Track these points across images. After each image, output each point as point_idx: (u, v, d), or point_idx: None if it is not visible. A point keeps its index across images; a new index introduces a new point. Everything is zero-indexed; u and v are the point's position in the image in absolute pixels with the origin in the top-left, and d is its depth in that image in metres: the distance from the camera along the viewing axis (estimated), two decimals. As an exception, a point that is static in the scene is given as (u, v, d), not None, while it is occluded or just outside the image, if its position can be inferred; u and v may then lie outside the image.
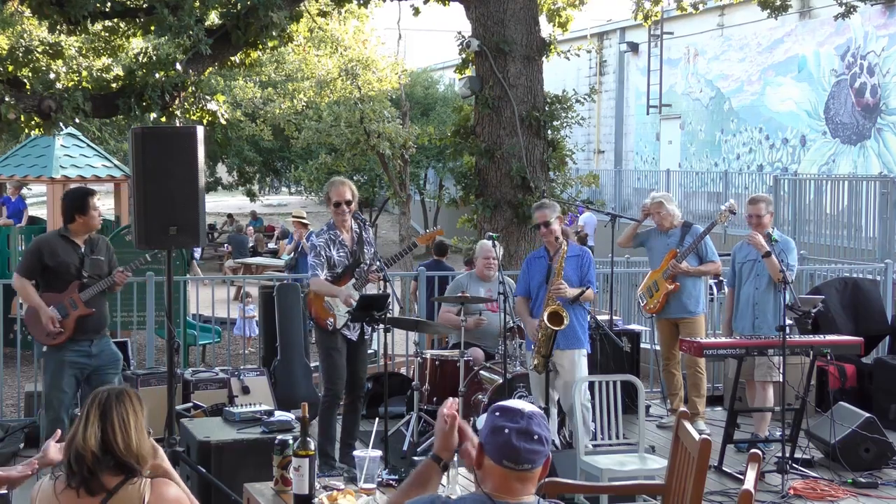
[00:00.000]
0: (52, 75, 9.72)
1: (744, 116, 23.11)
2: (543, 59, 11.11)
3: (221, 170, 31.62)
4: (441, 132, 16.74)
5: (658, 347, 8.72)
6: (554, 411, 6.83)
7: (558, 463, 5.80)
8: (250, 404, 6.46)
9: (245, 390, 7.84)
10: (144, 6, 9.86)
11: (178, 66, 9.40)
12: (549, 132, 10.97)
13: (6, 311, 7.96)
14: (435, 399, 7.60)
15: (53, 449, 3.97)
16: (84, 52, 11.66)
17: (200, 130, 5.87)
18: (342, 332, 6.83)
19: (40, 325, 6.40)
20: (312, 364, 8.36)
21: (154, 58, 9.74)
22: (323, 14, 12.54)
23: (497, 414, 2.81)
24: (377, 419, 5.27)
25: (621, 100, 27.68)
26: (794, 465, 6.88)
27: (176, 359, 6.15)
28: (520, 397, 6.94)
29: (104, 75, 10.55)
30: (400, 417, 7.98)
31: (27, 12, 10.92)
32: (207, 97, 10.02)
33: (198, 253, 20.06)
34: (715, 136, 24.13)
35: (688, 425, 4.50)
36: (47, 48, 10.50)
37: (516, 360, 7.34)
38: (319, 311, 6.82)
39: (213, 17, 9.98)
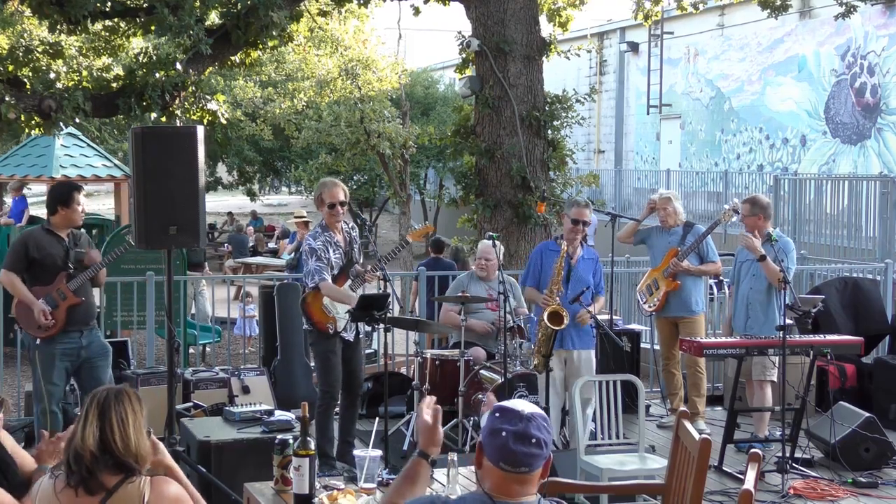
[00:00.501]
0: (52, 75, 9.72)
1: (744, 116, 23.10)
2: (544, 58, 11.12)
3: (221, 169, 31.59)
4: (441, 132, 16.74)
5: (658, 347, 8.73)
6: (554, 412, 6.83)
7: (558, 463, 5.79)
8: (250, 404, 6.47)
9: (245, 390, 7.84)
10: (144, 6, 9.86)
11: (179, 66, 9.40)
12: (550, 132, 10.98)
13: (6, 310, 7.96)
14: (435, 399, 7.57)
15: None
16: (84, 51, 11.64)
17: (200, 130, 5.87)
18: (340, 334, 6.80)
19: (32, 318, 6.45)
20: (312, 364, 8.36)
21: (154, 57, 9.75)
22: (323, 14, 12.55)
23: (497, 415, 2.81)
24: (377, 419, 5.26)
25: (621, 100, 27.65)
26: (794, 464, 6.87)
27: (176, 358, 6.15)
28: (520, 397, 6.94)
29: (104, 75, 10.54)
30: (400, 417, 7.97)
31: (27, 12, 10.91)
32: (207, 97, 10.02)
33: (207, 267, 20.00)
34: (715, 135, 24.11)
35: (688, 425, 4.49)
36: (47, 48, 10.49)
37: (516, 360, 7.34)
38: (319, 316, 6.74)
39: (214, 17, 9.98)
